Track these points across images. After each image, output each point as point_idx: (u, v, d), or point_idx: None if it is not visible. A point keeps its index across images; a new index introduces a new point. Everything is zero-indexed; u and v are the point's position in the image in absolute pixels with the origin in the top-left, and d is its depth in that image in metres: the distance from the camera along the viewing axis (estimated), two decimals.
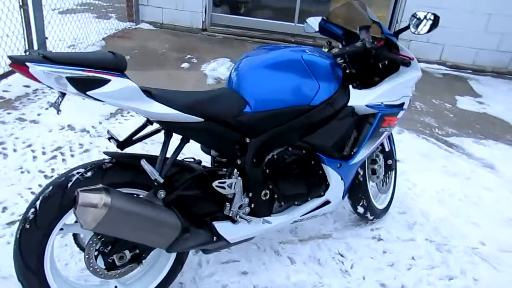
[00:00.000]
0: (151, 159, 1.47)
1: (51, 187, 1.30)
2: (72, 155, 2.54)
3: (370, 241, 2.10)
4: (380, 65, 1.83)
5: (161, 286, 1.57)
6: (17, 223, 1.93)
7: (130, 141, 1.58)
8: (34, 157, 2.47)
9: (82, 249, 1.54)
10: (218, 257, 1.87)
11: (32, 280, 1.31)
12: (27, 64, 1.15)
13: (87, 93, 1.18)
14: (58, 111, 1.25)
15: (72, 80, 1.16)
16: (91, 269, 1.39)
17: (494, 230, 2.27)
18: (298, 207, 1.74)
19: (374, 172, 2.06)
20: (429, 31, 1.75)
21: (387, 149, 2.14)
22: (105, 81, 1.19)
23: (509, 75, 5.10)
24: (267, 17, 5.60)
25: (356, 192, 2.01)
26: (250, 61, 1.63)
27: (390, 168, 2.17)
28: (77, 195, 1.17)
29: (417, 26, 1.77)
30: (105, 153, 1.44)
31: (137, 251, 1.42)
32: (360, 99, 1.71)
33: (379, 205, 2.19)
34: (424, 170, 2.77)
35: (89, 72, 1.18)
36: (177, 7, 5.39)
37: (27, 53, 1.31)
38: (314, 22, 2.15)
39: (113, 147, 1.57)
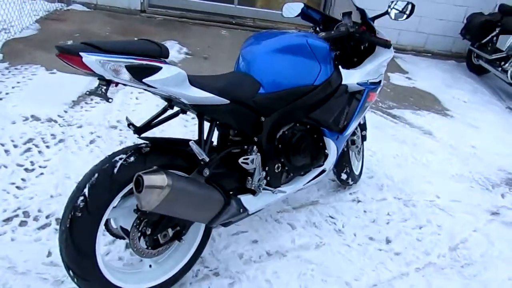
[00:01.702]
0: (179, 142, 1.55)
1: (96, 175, 1.33)
2: (48, 146, 2.44)
3: (351, 204, 2.38)
4: (362, 47, 2.07)
5: (191, 260, 1.67)
6: (14, 219, 1.90)
7: (148, 126, 1.62)
8: (6, 151, 2.33)
9: (112, 234, 1.58)
10: (227, 230, 2.00)
11: (86, 267, 1.33)
12: (81, 54, 1.16)
13: (143, 80, 1.22)
14: (109, 99, 1.28)
15: (130, 69, 1.20)
16: (135, 249, 1.45)
17: (444, 185, 2.70)
18: (302, 177, 1.94)
19: (353, 142, 2.33)
20: (406, 18, 2.02)
21: (361, 122, 2.42)
22: (158, 69, 1.25)
23: (425, 53, 5.78)
24: None
25: (342, 160, 2.26)
26: (259, 46, 1.76)
27: (364, 138, 2.45)
28: (141, 179, 1.23)
29: (395, 14, 2.03)
30: (142, 138, 1.47)
31: (178, 228, 1.51)
32: (351, 78, 1.94)
33: (355, 171, 2.47)
34: (379, 140, 3.13)
35: (142, 60, 1.23)
36: None
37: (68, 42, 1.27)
38: (293, 8, 2.30)
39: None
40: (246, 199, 1.68)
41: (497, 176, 2.93)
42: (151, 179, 1.24)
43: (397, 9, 2.03)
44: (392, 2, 2.06)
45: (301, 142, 1.81)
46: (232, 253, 1.90)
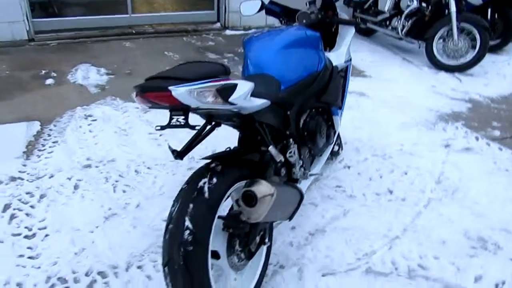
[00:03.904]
0: (238, 152, 1.58)
1: (191, 205, 1.31)
2: (32, 206, 2.18)
3: (346, 170, 2.63)
4: (333, 30, 2.28)
5: (266, 261, 1.72)
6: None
7: (189, 149, 1.61)
8: None
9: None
10: None
11: None
12: (170, 88, 1.15)
13: (229, 100, 1.24)
14: (194, 127, 1.27)
15: (219, 91, 1.21)
16: (232, 265, 1.47)
17: (400, 134, 3.12)
18: (321, 157, 2.11)
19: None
20: None
21: None
22: (235, 86, 1.27)
23: None
24: (99, 13, 5.26)
25: None
26: (267, 46, 1.83)
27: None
28: (252, 193, 1.26)
29: None
30: (208, 157, 1.47)
31: (262, 232, 1.56)
32: (338, 59, 2.14)
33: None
34: None
35: (221, 81, 1.25)
36: None
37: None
38: (251, 5, 2.39)
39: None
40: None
41: (431, 116, 3.47)
42: (260, 190, 1.28)
43: None
44: None
45: (320, 125, 1.97)
46: (283, 244, 1.99)
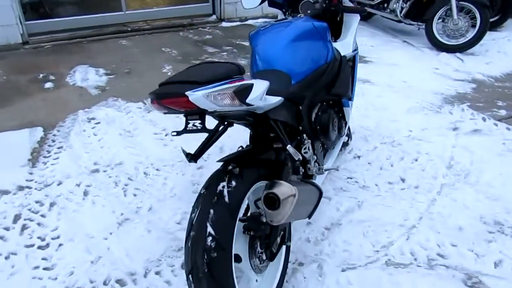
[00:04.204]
0: (253, 152, 1.55)
1: (212, 211, 1.28)
2: (43, 215, 2.15)
3: (356, 161, 2.61)
4: (338, 18, 2.23)
5: (286, 261, 1.70)
6: None
7: (202, 151, 1.57)
8: (1, 237, 2.00)
9: None
10: None
11: None
12: (187, 93, 1.11)
13: (246, 101, 1.21)
14: (210, 130, 1.24)
15: (236, 93, 1.17)
16: (255, 267, 1.45)
17: (407, 120, 3.08)
18: (333, 150, 2.08)
19: None
20: None
21: None
22: (251, 86, 1.24)
23: None
24: (93, 11, 5.17)
25: None
26: (275, 40, 1.78)
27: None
28: (275, 195, 1.23)
29: None
30: (223, 159, 1.43)
31: (282, 233, 1.54)
32: (345, 48, 2.10)
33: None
34: None
35: (237, 81, 1.21)
36: None
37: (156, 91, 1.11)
38: None
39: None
40: None
41: (436, 99, 3.44)
42: (283, 192, 1.26)
43: None
44: None
45: (332, 118, 1.94)
46: (300, 241, 1.98)
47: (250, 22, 5.74)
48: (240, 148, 1.74)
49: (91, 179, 2.44)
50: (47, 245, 1.97)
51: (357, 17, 2.28)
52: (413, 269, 1.82)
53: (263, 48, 1.79)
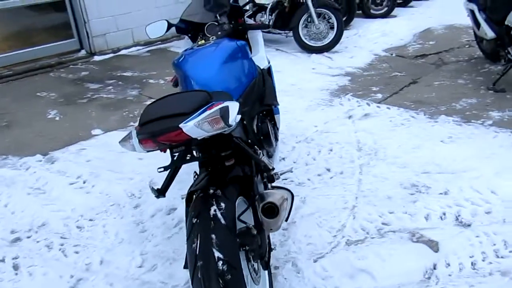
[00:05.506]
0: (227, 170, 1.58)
1: (213, 235, 1.28)
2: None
3: (283, 162, 2.80)
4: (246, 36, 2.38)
5: (269, 268, 1.76)
6: None
7: (168, 185, 1.56)
8: None
9: None
10: None
11: None
12: (181, 126, 1.13)
13: (229, 122, 1.25)
14: (200, 157, 1.25)
15: (223, 118, 1.21)
16: (254, 280, 1.49)
17: (308, 117, 3.41)
18: (273, 157, 2.22)
19: None
20: None
21: None
22: (228, 108, 1.29)
23: None
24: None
25: None
26: (207, 63, 1.82)
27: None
28: (272, 204, 1.30)
29: None
30: (195, 190, 1.43)
31: (268, 240, 1.60)
32: (262, 62, 2.26)
33: None
34: None
35: (213, 107, 1.25)
36: None
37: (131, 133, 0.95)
38: (157, 27, 2.34)
39: None
40: None
41: (324, 95, 3.86)
42: (277, 199, 1.33)
43: None
44: None
45: (269, 126, 2.07)
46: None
47: (123, 52, 5.57)
48: (195, 175, 1.74)
49: (16, 249, 2.13)
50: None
51: (260, 33, 2.46)
52: (370, 241, 2.06)
53: (197, 72, 1.81)
